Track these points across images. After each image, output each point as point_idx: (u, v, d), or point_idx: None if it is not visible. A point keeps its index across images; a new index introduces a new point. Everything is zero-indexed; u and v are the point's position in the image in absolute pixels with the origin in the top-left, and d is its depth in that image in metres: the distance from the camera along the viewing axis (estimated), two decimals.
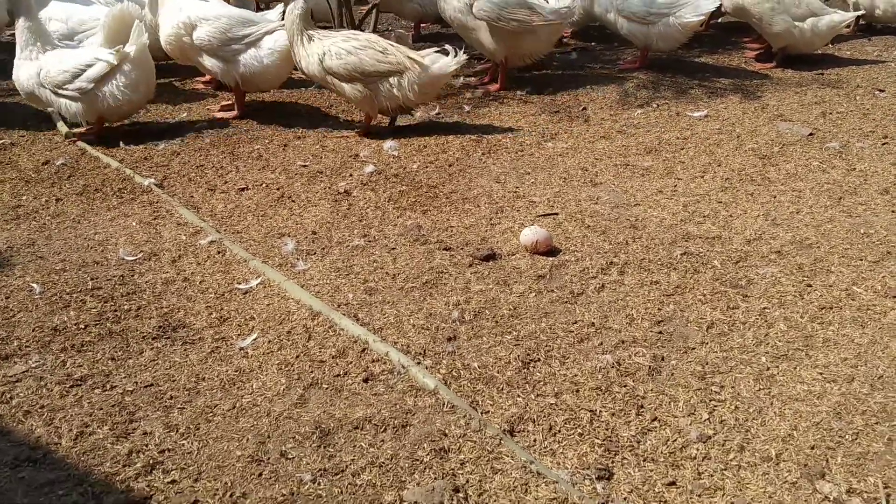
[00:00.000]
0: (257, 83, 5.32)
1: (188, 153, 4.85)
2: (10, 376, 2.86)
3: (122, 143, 4.98)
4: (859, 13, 6.66)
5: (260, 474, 2.39)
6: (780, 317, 3.11)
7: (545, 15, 5.60)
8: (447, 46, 5.01)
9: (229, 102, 5.59)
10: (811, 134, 4.95)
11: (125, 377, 2.84)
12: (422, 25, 7.51)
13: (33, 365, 2.91)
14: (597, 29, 7.30)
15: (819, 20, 6.07)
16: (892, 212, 3.92)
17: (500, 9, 5.52)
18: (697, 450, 2.49)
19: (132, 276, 3.50)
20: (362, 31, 6.47)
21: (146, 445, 2.51)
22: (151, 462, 2.44)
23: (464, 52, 4.93)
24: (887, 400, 2.64)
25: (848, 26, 6.90)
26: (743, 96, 5.65)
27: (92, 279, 3.46)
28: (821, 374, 2.80)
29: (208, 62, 5.22)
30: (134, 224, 3.97)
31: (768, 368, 2.84)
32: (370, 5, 6.67)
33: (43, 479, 2.39)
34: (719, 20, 7.71)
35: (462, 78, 6.19)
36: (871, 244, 3.62)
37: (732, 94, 5.71)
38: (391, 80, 4.82)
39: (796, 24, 6.03)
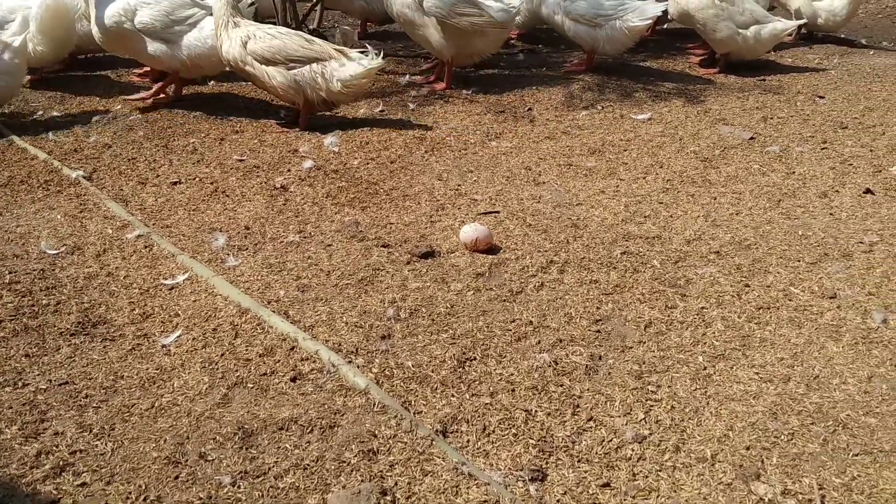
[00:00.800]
0: (202, 66, 5.16)
1: (120, 146, 4.67)
2: None
3: (51, 135, 4.79)
4: (802, 22, 6.76)
5: (177, 477, 2.27)
6: (717, 316, 3.09)
7: (493, 15, 5.55)
8: (368, 46, 4.93)
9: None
10: (752, 138, 4.98)
11: (39, 374, 2.69)
12: (368, 24, 7.41)
13: None
14: (544, 31, 7.29)
15: (762, 28, 6.14)
16: (830, 214, 3.94)
17: (450, 6, 5.46)
18: (632, 450, 2.43)
19: (53, 270, 3.33)
20: (306, 27, 6.37)
21: (56, 446, 2.37)
22: (61, 464, 2.30)
23: (382, 57, 4.88)
24: (823, 400, 2.62)
25: (790, 34, 7.00)
26: (686, 100, 5.67)
27: (10, 273, 3.29)
28: (757, 373, 2.77)
29: (151, 47, 5.03)
30: (58, 217, 3.80)
31: (705, 368, 2.80)
32: (314, 1, 6.55)
33: None
34: (665, 26, 7.76)
35: (408, 76, 6.11)
36: (809, 246, 3.62)
37: (676, 97, 5.73)
38: (315, 66, 4.76)
39: (740, 31, 6.08)
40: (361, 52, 4.89)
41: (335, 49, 4.84)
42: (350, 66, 4.80)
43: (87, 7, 5.25)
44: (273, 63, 4.78)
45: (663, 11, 6.15)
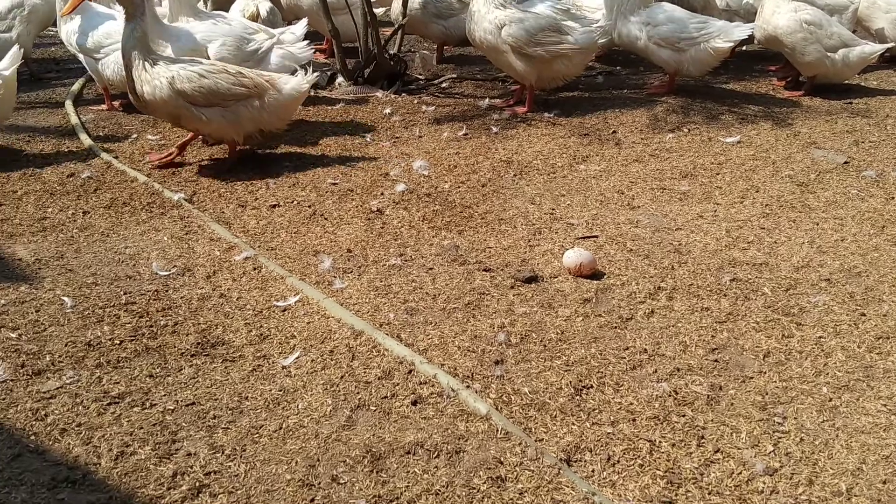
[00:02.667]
0: None
1: (217, 169, 4.77)
2: (44, 392, 2.76)
3: (148, 158, 4.91)
4: (889, 45, 6.61)
5: (312, 499, 2.29)
6: (836, 346, 3.02)
7: (576, 39, 5.56)
8: (296, 66, 4.94)
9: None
10: (846, 162, 4.89)
11: (165, 395, 2.74)
12: (444, 47, 7.47)
13: (68, 381, 2.81)
14: (621, 53, 7.26)
15: (850, 51, 6.03)
16: None
17: (529, 35, 5.48)
18: (764, 483, 2.39)
19: (166, 290, 3.40)
20: (387, 51, 6.44)
21: (191, 467, 2.41)
22: (198, 485, 2.34)
23: (315, 73, 4.80)
24: None
25: (874, 58, 6.86)
26: (774, 123, 5.59)
27: (125, 293, 3.37)
28: (885, 405, 2.70)
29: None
30: (165, 239, 3.88)
31: (830, 399, 2.74)
32: (396, 26, 6.63)
33: (83, 501, 2.29)
34: (744, 48, 7.68)
35: (488, 99, 6.13)
36: None
37: (763, 120, 5.65)
38: (254, 102, 4.54)
39: (829, 54, 5.99)
40: (291, 74, 4.75)
41: (264, 80, 4.61)
42: (284, 92, 4.61)
43: None
44: (209, 106, 4.49)
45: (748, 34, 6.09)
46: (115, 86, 5.70)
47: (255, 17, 6.20)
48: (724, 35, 5.83)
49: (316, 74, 4.80)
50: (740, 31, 5.86)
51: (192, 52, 4.92)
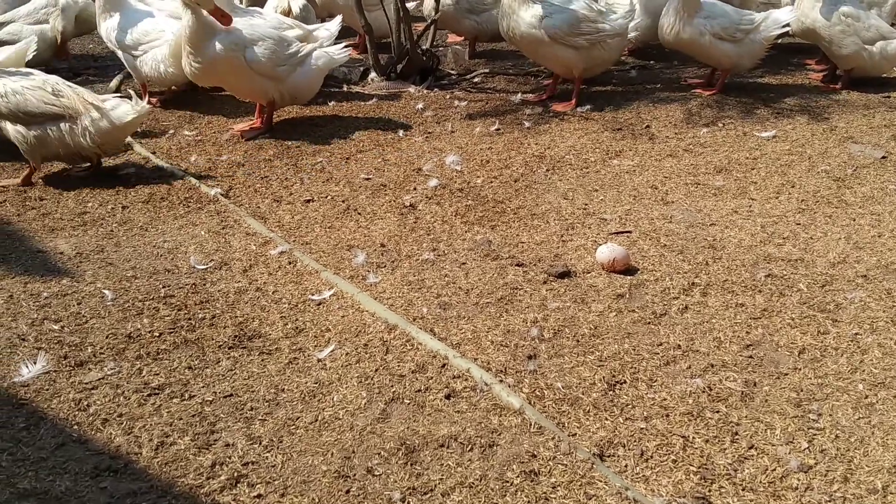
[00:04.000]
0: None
1: (252, 164, 4.83)
2: (86, 383, 2.83)
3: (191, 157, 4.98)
4: None
5: (348, 490, 2.32)
6: (873, 343, 3.00)
7: (612, 26, 5.58)
8: (130, 91, 4.80)
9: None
10: (884, 157, 4.82)
11: (203, 386, 2.79)
12: (477, 43, 7.47)
13: (109, 372, 2.88)
14: (655, 48, 7.21)
15: (889, 44, 5.94)
16: None
17: (571, 25, 5.49)
18: (799, 480, 2.38)
19: (204, 284, 3.46)
20: (419, 46, 6.46)
21: (229, 457, 2.46)
22: (236, 475, 2.39)
23: (147, 100, 4.66)
24: None
25: None
26: (810, 117, 5.53)
27: (164, 287, 3.43)
28: None
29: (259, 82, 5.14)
30: (202, 233, 3.94)
31: (866, 396, 2.72)
32: (428, 22, 6.65)
33: (125, 490, 2.35)
34: (779, 41, 7.59)
35: (520, 94, 6.13)
36: None
37: (799, 114, 5.59)
38: (62, 125, 4.34)
39: (866, 47, 5.91)
40: (121, 97, 4.59)
41: (86, 102, 4.40)
42: (106, 117, 4.39)
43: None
44: (13, 121, 4.38)
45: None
46: (153, 82, 5.79)
47: (287, 13, 6.25)
48: (773, 22, 5.81)
49: (147, 107, 4.61)
50: (786, 15, 5.84)
51: (235, 47, 4.98)
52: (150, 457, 2.47)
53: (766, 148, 4.99)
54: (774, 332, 3.07)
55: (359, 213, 4.17)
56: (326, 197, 4.37)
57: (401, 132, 5.40)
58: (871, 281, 3.42)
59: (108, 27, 5.72)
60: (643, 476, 2.42)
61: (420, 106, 5.88)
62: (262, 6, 6.49)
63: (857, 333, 3.06)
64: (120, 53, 5.77)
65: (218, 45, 4.91)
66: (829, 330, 3.08)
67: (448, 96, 6.17)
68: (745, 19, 5.81)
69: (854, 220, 4.01)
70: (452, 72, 6.88)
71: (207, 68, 4.99)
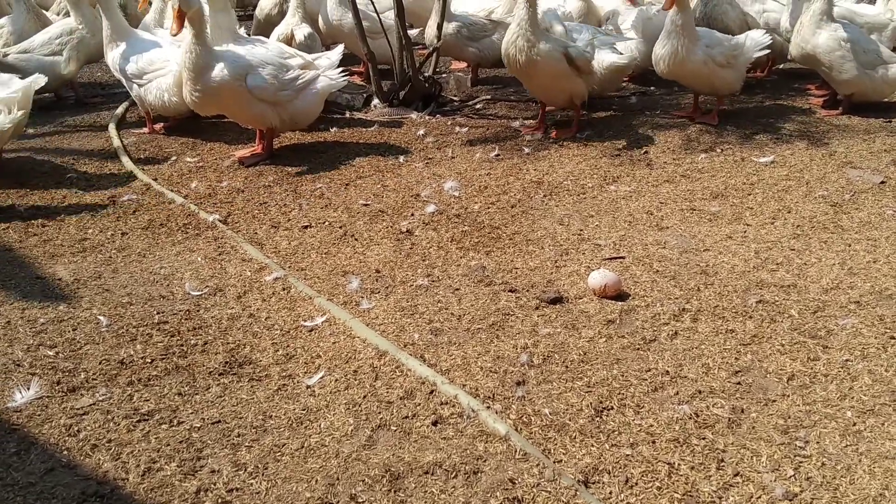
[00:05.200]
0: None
1: (252, 191, 4.88)
2: (77, 409, 2.85)
3: (192, 184, 5.04)
4: None
5: None
6: (863, 370, 2.99)
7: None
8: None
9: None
10: (883, 182, 4.82)
11: (192, 413, 2.81)
12: (479, 69, 7.54)
13: (100, 398, 2.90)
14: (654, 73, 7.25)
15: (889, 68, 5.96)
16: None
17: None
18: None
19: (198, 310, 3.49)
20: (422, 73, 6.52)
21: (214, 484, 2.47)
22: (220, 501, 2.40)
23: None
24: None
25: None
26: (809, 142, 5.54)
27: (158, 313, 3.47)
28: None
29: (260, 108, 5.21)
30: (199, 259, 3.98)
31: (854, 423, 2.71)
32: (430, 49, 6.72)
33: None
34: (780, 66, 7.62)
35: (520, 120, 6.18)
36: None
37: (798, 140, 5.60)
38: None
39: (867, 71, 5.92)
40: None
41: None
42: None
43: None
44: None
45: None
46: (157, 111, 5.87)
47: (288, 41, 6.34)
48: (752, 44, 5.88)
49: (18, 116, 4.65)
50: (762, 37, 5.92)
51: (236, 75, 5.03)
52: (136, 483, 2.49)
53: (763, 173, 5.00)
54: (764, 359, 3.07)
55: (356, 239, 4.20)
56: (324, 223, 4.41)
57: (401, 158, 5.45)
58: (863, 307, 3.42)
59: (114, 56, 5.82)
60: (627, 503, 2.41)
61: (421, 132, 5.93)
62: (268, 36, 6.60)
63: (847, 360, 3.05)
64: (125, 82, 5.86)
65: (219, 72, 4.98)
66: (819, 356, 3.07)
67: (449, 122, 6.22)
68: (734, 43, 5.85)
69: (849, 245, 4.00)
70: (455, 98, 6.94)
71: (208, 95, 5.05)
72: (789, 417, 2.74)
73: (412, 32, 6.72)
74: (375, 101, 6.60)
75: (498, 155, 5.47)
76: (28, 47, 6.60)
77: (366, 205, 4.65)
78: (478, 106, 6.70)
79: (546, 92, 5.80)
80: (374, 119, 6.29)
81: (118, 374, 3.04)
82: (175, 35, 5.03)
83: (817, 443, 2.63)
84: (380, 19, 6.61)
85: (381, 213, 4.53)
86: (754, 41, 5.94)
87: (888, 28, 6.67)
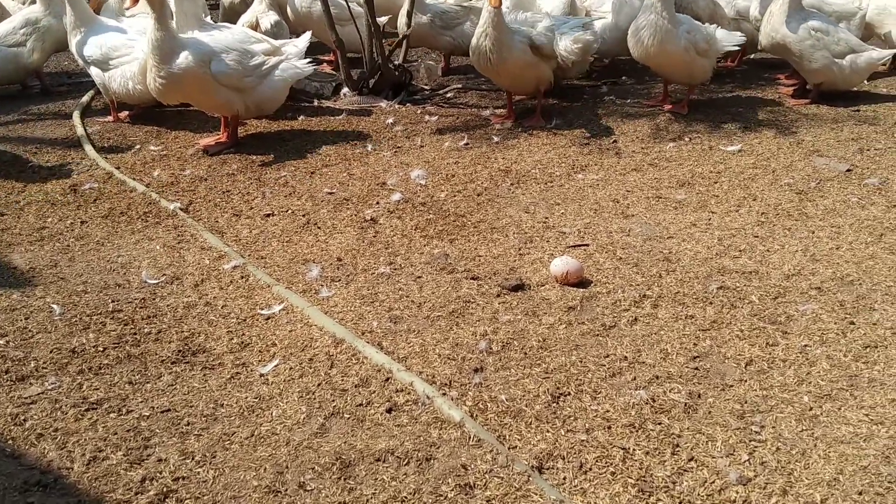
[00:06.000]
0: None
1: (215, 179, 4.82)
2: (25, 398, 2.80)
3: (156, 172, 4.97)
4: None
5: None
6: (822, 355, 2.98)
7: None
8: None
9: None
10: (849, 170, 4.83)
11: (142, 402, 2.76)
12: (451, 57, 7.49)
13: (49, 387, 2.85)
14: (627, 62, 7.23)
15: (858, 57, 5.97)
16: None
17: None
18: (737, 493, 2.36)
19: (154, 299, 3.43)
20: (391, 62, 6.47)
21: (160, 473, 2.42)
22: (165, 490, 2.35)
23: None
24: None
25: (884, 64, 6.78)
26: (777, 131, 5.54)
27: (113, 301, 3.40)
28: (867, 415, 2.66)
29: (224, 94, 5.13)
30: (158, 248, 3.92)
31: (811, 408, 2.70)
32: (401, 37, 6.66)
33: None
34: (751, 56, 7.63)
35: (490, 109, 6.14)
36: None
37: (767, 128, 5.60)
38: None
39: (836, 61, 5.93)
40: None
41: None
42: None
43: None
44: None
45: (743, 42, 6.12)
46: (121, 98, 5.77)
47: (254, 27, 6.26)
48: (729, 40, 5.88)
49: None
50: (739, 37, 5.92)
51: (200, 62, 4.95)
52: (81, 472, 2.43)
53: (730, 162, 4.99)
54: (722, 344, 3.05)
55: (318, 228, 4.16)
56: (287, 211, 4.36)
57: (369, 146, 5.40)
58: (824, 293, 3.41)
59: (78, 43, 5.72)
60: (581, 488, 2.39)
61: (390, 121, 5.88)
62: (235, 23, 6.51)
63: (806, 345, 3.04)
64: (89, 69, 5.76)
65: (182, 59, 4.90)
66: (778, 342, 3.06)
67: (419, 111, 6.17)
68: (709, 32, 5.83)
69: (813, 232, 4.00)
70: (425, 87, 6.88)
71: (172, 83, 4.97)
72: (746, 402, 2.73)
73: (382, 20, 6.65)
74: (345, 89, 6.53)
75: (467, 143, 5.43)
76: None
77: (330, 193, 4.60)
78: (448, 95, 6.66)
79: (514, 81, 5.77)
80: (343, 107, 6.23)
81: (69, 363, 2.98)
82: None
83: (773, 427, 2.61)
84: (349, 6, 6.55)
85: (345, 202, 4.48)
86: (728, 36, 5.93)
87: (856, 17, 6.69)
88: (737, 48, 6.06)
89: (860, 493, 2.33)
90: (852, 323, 3.18)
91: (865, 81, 6.51)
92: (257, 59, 5.19)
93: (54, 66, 7.71)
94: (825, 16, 6.21)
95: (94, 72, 5.71)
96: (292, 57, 5.51)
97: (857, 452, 2.49)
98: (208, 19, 5.98)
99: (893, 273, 3.56)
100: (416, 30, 6.74)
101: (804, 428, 2.61)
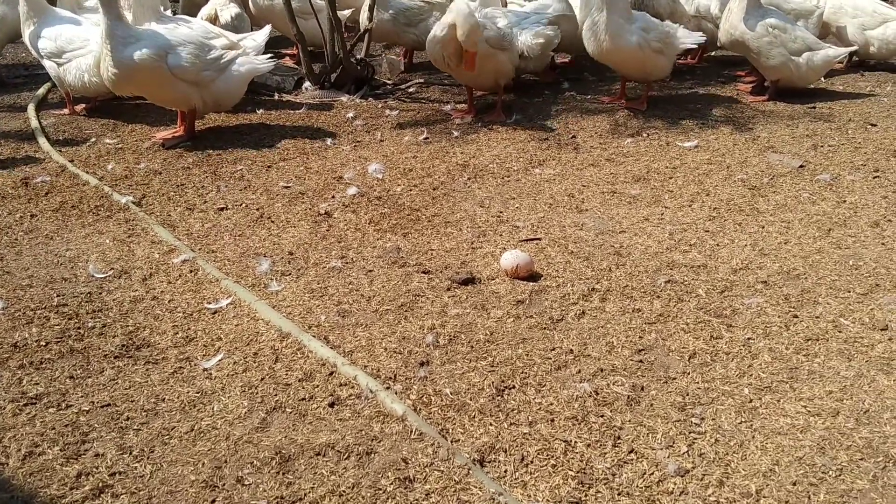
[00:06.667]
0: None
1: (170, 172, 4.77)
2: None
3: (110, 165, 4.90)
4: (853, 49, 6.64)
5: (213, 501, 2.28)
6: (764, 348, 3.01)
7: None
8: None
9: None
10: (802, 166, 4.89)
11: (82, 396, 2.73)
12: (415, 53, 7.48)
13: None
14: (588, 59, 7.26)
15: (814, 55, 6.04)
16: (882, 244, 3.83)
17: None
18: (675, 484, 2.37)
19: (100, 293, 3.39)
20: (353, 55, 6.44)
21: (97, 468, 2.40)
22: (101, 485, 2.33)
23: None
24: (873, 435, 2.53)
25: (841, 62, 6.88)
26: (734, 128, 5.60)
27: (58, 296, 3.36)
28: (805, 407, 2.69)
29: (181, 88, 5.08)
30: (107, 241, 3.87)
31: (751, 401, 2.73)
32: (362, 30, 6.64)
33: None
34: (712, 53, 7.70)
35: (451, 104, 6.15)
36: (860, 276, 3.52)
37: (724, 125, 5.65)
38: None
39: (793, 58, 6.00)
40: None
41: None
42: None
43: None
44: None
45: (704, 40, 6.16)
46: (77, 91, 5.70)
47: (213, 20, 6.21)
48: (685, 36, 5.91)
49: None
50: (693, 38, 5.95)
51: (156, 55, 4.89)
52: (16, 467, 2.40)
53: (686, 157, 5.03)
54: (668, 337, 3.08)
55: (272, 222, 4.13)
56: (241, 205, 4.33)
57: (328, 141, 5.38)
58: (770, 287, 3.45)
59: (32, 34, 5.64)
60: (521, 481, 2.40)
61: (351, 115, 5.86)
62: (195, 15, 6.46)
63: (749, 338, 3.07)
64: (44, 61, 5.68)
65: (138, 52, 4.84)
66: (722, 335, 3.09)
67: (380, 106, 6.16)
68: (666, 30, 5.85)
69: (763, 227, 4.04)
70: (388, 81, 6.87)
71: (127, 75, 4.91)
72: (688, 395, 2.75)
73: (343, 14, 6.62)
74: (306, 83, 6.50)
75: (427, 138, 5.43)
76: None
77: (286, 187, 4.57)
78: (410, 90, 6.65)
79: (474, 78, 5.77)
80: (304, 101, 6.20)
81: (10, 358, 2.93)
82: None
83: (713, 420, 2.64)
84: (310, 0, 6.51)
85: (300, 196, 4.46)
86: (688, 35, 5.96)
87: (814, 15, 6.77)
88: (695, 46, 6.11)
89: (794, 484, 2.36)
90: (796, 316, 3.22)
91: (822, 79, 6.60)
92: (215, 53, 5.15)
93: (11, 57, 7.59)
94: (783, 14, 6.28)
95: (48, 64, 5.63)
96: (251, 52, 5.47)
97: (794, 444, 2.52)
98: (168, 12, 5.93)
99: (839, 267, 3.61)
100: (379, 26, 6.72)
101: (743, 420, 2.64)
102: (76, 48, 5.55)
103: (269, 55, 5.54)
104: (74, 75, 5.54)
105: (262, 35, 5.71)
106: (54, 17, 5.71)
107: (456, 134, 5.52)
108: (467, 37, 5.12)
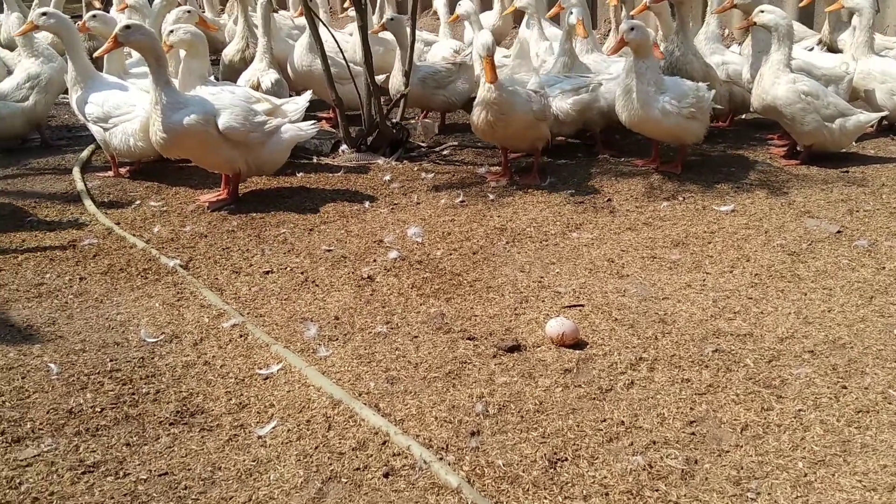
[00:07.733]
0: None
1: (215, 236, 4.86)
2: (21, 460, 2.80)
3: (156, 228, 5.01)
4: (883, 114, 6.68)
5: None
6: (815, 420, 3.00)
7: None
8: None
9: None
10: (839, 231, 4.90)
11: (139, 464, 2.76)
12: (446, 116, 7.62)
13: (45, 449, 2.85)
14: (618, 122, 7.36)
15: (847, 120, 6.09)
16: None
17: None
18: None
19: (152, 358, 3.45)
20: (390, 120, 6.57)
21: None
22: None
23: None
24: None
25: (872, 125, 6.92)
26: (769, 192, 5.63)
27: (111, 360, 3.42)
28: (860, 481, 2.67)
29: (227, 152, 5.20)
30: (157, 305, 3.94)
31: (806, 474, 2.71)
32: (398, 96, 6.78)
33: None
34: (743, 116, 7.77)
35: (486, 167, 6.23)
36: None
37: (758, 189, 5.69)
38: None
39: (826, 123, 6.05)
40: None
41: None
42: None
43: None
44: None
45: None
46: (122, 154, 5.85)
47: (255, 87, 6.37)
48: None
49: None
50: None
51: (203, 119, 5.03)
52: None
53: (723, 222, 5.06)
54: (718, 409, 3.08)
55: (316, 286, 4.19)
56: (286, 268, 4.40)
57: (366, 203, 5.46)
58: (817, 356, 3.45)
59: (79, 99, 5.81)
60: None
61: (387, 178, 5.95)
62: (235, 81, 6.63)
63: (800, 410, 3.06)
64: (90, 126, 5.84)
65: (187, 117, 4.98)
66: (772, 406, 3.09)
67: (416, 168, 6.26)
68: (701, 94, 5.90)
69: (805, 294, 4.05)
70: (422, 144, 6.98)
71: (176, 139, 5.04)
72: (742, 468, 2.74)
73: (380, 78, 6.78)
74: (343, 146, 6.63)
75: (463, 201, 5.50)
76: None
77: (328, 250, 4.64)
78: (445, 152, 6.75)
79: (511, 141, 5.86)
80: (342, 164, 6.32)
81: (66, 424, 2.98)
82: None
83: (769, 494, 2.63)
84: (348, 66, 6.67)
85: (343, 259, 4.52)
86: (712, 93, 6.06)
87: (844, 81, 6.83)
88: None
89: None
90: (844, 387, 3.21)
91: (854, 143, 6.64)
92: (261, 118, 5.28)
93: (55, 120, 7.80)
94: (814, 80, 6.34)
95: (95, 129, 5.79)
96: (294, 115, 5.61)
97: None
98: (211, 78, 6.10)
99: (883, 336, 3.60)
100: (410, 90, 6.86)
101: (799, 495, 2.62)
102: (123, 113, 5.71)
103: (311, 122, 5.67)
104: (120, 139, 5.69)
105: (303, 100, 5.86)
106: (101, 82, 5.90)
107: (491, 197, 5.59)
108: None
